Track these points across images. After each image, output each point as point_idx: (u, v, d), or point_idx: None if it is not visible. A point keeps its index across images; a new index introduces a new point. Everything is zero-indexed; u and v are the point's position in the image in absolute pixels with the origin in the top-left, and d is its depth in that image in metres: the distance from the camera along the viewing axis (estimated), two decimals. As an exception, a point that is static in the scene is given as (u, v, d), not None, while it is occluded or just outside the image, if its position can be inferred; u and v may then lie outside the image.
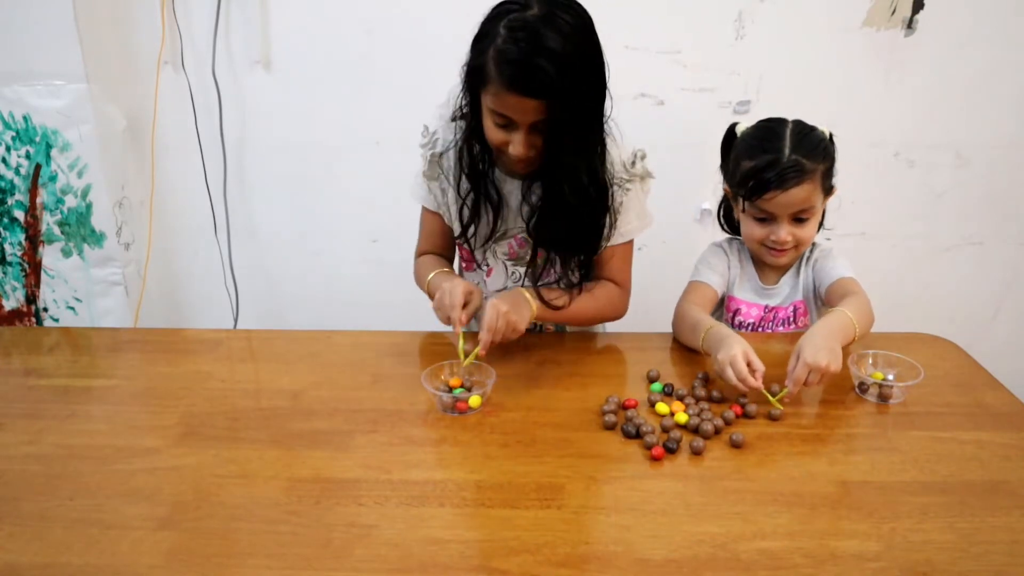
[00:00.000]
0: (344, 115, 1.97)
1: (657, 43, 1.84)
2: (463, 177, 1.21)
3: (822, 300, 1.32)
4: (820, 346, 1.04)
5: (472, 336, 1.12)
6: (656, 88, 1.88)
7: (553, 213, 1.17)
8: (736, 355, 1.04)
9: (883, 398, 1.07)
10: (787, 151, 1.21)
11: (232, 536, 0.81)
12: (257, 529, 0.82)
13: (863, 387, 1.10)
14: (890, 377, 1.10)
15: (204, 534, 0.82)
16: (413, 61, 1.89)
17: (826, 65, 1.85)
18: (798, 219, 1.24)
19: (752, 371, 1.04)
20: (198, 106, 1.96)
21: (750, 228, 1.28)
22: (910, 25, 1.82)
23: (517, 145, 1.08)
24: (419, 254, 1.38)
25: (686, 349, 1.24)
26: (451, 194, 1.26)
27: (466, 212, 1.23)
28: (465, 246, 1.31)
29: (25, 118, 1.84)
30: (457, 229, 1.27)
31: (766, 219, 1.25)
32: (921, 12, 1.80)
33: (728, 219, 1.42)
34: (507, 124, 1.08)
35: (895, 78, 1.87)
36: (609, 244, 1.23)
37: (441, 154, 1.25)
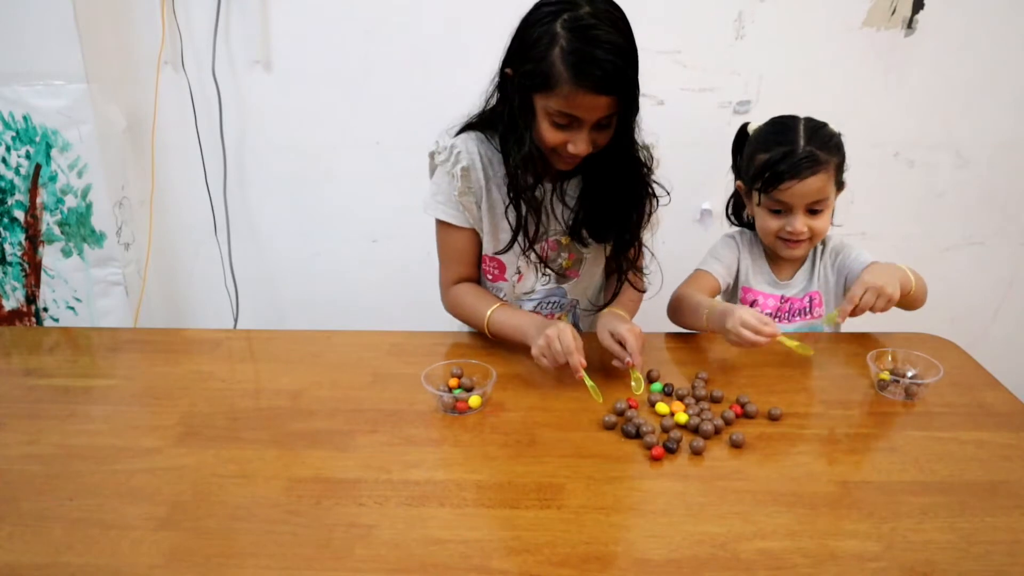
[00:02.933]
0: (344, 115, 1.97)
1: (657, 43, 1.84)
2: (516, 186, 1.17)
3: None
4: (879, 272, 1.16)
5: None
6: (656, 88, 1.88)
7: (600, 206, 1.19)
8: (744, 314, 1.10)
9: (909, 395, 1.08)
10: (801, 143, 1.24)
11: (232, 536, 0.81)
12: (257, 529, 0.82)
13: (882, 384, 1.10)
14: (909, 374, 1.11)
15: (204, 534, 0.82)
16: (412, 61, 1.89)
17: (826, 65, 1.85)
18: (812, 211, 1.26)
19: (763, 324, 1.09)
20: (198, 106, 1.96)
21: (765, 221, 1.30)
22: (910, 25, 1.81)
23: (580, 143, 1.08)
24: (452, 281, 1.31)
25: (685, 349, 1.24)
26: (484, 205, 1.23)
27: (510, 220, 1.20)
28: (499, 257, 1.28)
29: (25, 118, 1.84)
30: (490, 245, 1.26)
31: (781, 211, 1.27)
32: (921, 12, 1.80)
33: (736, 214, 1.44)
34: (569, 124, 1.07)
35: (895, 78, 1.87)
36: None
37: (469, 166, 1.20)
